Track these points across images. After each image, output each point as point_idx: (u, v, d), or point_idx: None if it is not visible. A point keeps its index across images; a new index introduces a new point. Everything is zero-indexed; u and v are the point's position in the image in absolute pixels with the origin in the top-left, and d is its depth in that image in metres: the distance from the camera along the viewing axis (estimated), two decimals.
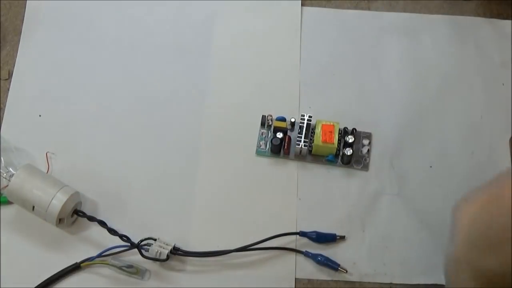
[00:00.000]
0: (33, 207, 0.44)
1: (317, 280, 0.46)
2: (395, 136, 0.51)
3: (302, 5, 0.56)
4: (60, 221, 0.45)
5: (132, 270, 0.44)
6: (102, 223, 0.45)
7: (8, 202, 0.47)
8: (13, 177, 0.44)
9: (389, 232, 0.47)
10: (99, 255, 0.45)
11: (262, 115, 0.50)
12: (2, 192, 0.46)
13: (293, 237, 0.47)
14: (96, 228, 0.46)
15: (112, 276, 0.45)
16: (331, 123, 0.48)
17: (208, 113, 0.51)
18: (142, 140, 0.50)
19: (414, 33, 0.55)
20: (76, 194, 0.46)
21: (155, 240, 0.45)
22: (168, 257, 0.44)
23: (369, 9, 0.56)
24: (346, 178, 0.49)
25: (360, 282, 0.46)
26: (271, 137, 0.50)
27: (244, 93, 0.52)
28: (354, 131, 0.50)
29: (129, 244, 0.45)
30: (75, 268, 0.45)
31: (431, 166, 0.49)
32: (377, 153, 0.50)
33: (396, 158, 0.50)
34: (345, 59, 0.54)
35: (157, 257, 0.44)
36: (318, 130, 0.48)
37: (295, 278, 0.46)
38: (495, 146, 0.51)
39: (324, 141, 0.48)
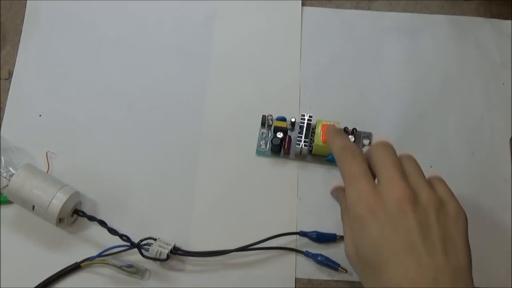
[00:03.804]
0: (33, 206, 0.44)
1: (317, 280, 0.46)
2: (395, 136, 0.51)
3: (303, 5, 0.56)
4: (60, 220, 0.45)
5: (132, 270, 0.44)
6: (102, 223, 0.45)
7: (8, 202, 0.47)
8: (13, 177, 0.44)
9: None
10: (99, 255, 0.45)
11: (262, 115, 0.50)
12: (2, 191, 0.46)
13: (293, 237, 0.47)
14: (96, 228, 0.46)
15: (112, 276, 0.45)
16: (332, 123, 0.48)
17: (208, 113, 0.51)
18: (142, 140, 0.50)
19: (414, 33, 0.55)
20: (76, 193, 0.46)
21: (155, 240, 0.45)
22: (168, 257, 0.44)
23: (369, 9, 0.56)
24: None
25: (360, 282, 0.46)
26: (271, 137, 0.50)
27: (244, 93, 0.52)
28: (354, 131, 0.50)
29: (129, 244, 0.45)
30: (75, 268, 0.45)
31: (431, 166, 0.49)
32: None
33: None
34: (345, 59, 0.54)
35: (157, 257, 0.44)
36: (319, 130, 0.48)
37: (295, 278, 0.46)
38: (495, 146, 0.51)
39: (325, 141, 0.48)
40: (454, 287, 0.35)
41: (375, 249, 0.36)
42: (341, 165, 0.40)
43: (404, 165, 0.39)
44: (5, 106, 0.51)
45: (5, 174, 0.46)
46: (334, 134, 0.43)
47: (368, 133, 0.50)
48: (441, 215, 0.37)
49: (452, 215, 0.37)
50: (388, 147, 0.40)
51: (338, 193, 0.43)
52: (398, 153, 0.41)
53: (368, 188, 0.37)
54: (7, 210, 0.47)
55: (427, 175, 0.40)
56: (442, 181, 0.40)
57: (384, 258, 0.36)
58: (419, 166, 0.40)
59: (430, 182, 0.39)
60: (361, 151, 0.41)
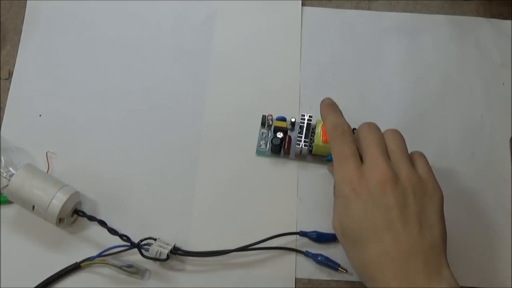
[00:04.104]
0: (33, 206, 0.44)
1: (317, 280, 0.46)
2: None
3: (303, 5, 0.56)
4: (60, 220, 0.45)
5: (132, 270, 0.44)
6: (102, 223, 0.45)
7: (8, 202, 0.47)
8: (13, 177, 0.44)
9: None
10: (99, 255, 0.45)
11: (262, 115, 0.50)
12: (2, 191, 0.46)
13: (293, 237, 0.47)
14: (96, 228, 0.45)
15: (112, 276, 0.45)
16: None
17: (208, 113, 0.51)
18: (142, 140, 0.50)
19: (414, 33, 0.55)
20: (76, 193, 0.46)
21: (155, 240, 0.45)
22: (168, 257, 0.44)
23: (369, 9, 0.56)
24: None
25: (360, 282, 0.46)
26: (271, 137, 0.50)
27: (244, 93, 0.52)
28: (354, 131, 0.50)
29: (129, 244, 0.45)
30: (75, 268, 0.45)
31: (431, 166, 0.49)
32: None
33: None
34: (345, 59, 0.54)
35: (157, 257, 0.44)
36: (318, 130, 0.48)
37: (295, 278, 0.46)
38: (495, 146, 0.51)
39: (325, 141, 0.48)
40: (427, 260, 0.38)
41: (357, 225, 0.40)
42: (332, 144, 0.44)
43: (388, 142, 0.42)
44: (5, 106, 0.51)
45: (5, 174, 0.46)
46: (328, 109, 0.45)
47: None
48: (418, 193, 0.40)
49: (428, 193, 0.40)
50: (372, 127, 0.43)
51: (332, 169, 0.45)
52: (385, 129, 0.43)
53: (353, 169, 0.41)
54: (7, 210, 0.47)
55: (410, 150, 0.43)
56: (422, 157, 0.43)
57: (365, 234, 0.39)
58: (402, 141, 0.43)
59: (411, 158, 0.42)
60: (352, 130, 0.44)
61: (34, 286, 0.44)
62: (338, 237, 0.41)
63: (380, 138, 0.42)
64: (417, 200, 0.39)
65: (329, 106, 0.45)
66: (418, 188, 0.40)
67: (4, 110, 0.51)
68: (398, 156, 0.41)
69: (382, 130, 0.50)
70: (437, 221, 0.40)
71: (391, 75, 0.53)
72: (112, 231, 0.45)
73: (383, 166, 0.40)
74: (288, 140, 0.49)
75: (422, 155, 0.43)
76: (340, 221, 0.41)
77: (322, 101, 0.46)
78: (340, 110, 0.45)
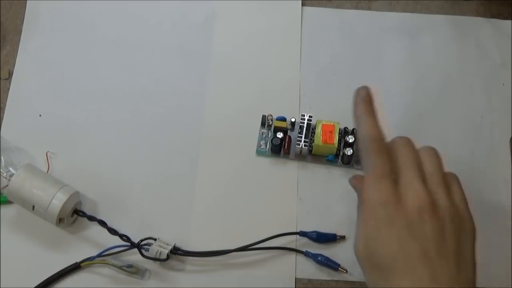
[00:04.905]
0: (33, 206, 0.44)
1: (317, 280, 0.46)
2: (395, 136, 0.50)
3: (303, 5, 0.56)
4: (60, 220, 0.45)
5: (132, 270, 0.44)
6: (102, 223, 0.45)
7: (8, 202, 0.47)
8: (13, 177, 0.44)
9: None
10: (99, 255, 0.45)
11: (262, 115, 0.50)
12: (2, 191, 0.46)
13: (293, 237, 0.47)
14: (96, 228, 0.46)
15: (112, 276, 0.45)
16: (331, 123, 0.48)
17: (208, 113, 0.51)
18: (142, 140, 0.50)
19: (414, 33, 0.55)
20: (76, 193, 0.46)
21: (155, 240, 0.45)
22: (168, 257, 0.44)
23: (369, 9, 0.56)
24: (346, 178, 0.49)
25: (360, 282, 0.46)
26: (271, 137, 0.50)
27: (244, 93, 0.52)
28: (355, 131, 0.50)
29: (129, 244, 0.45)
30: (75, 268, 0.45)
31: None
32: None
33: None
34: (345, 59, 0.54)
35: (157, 257, 0.44)
36: (318, 130, 0.48)
37: (295, 278, 0.46)
38: (495, 146, 0.51)
39: (324, 141, 0.48)
40: None
41: (388, 253, 0.36)
42: (367, 158, 0.39)
43: (425, 162, 0.39)
44: (5, 106, 0.51)
45: (5, 174, 0.46)
46: (365, 110, 0.41)
47: None
48: (456, 226, 0.37)
49: (465, 228, 0.37)
50: (409, 143, 0.40)
51: (358, 183, 0.41)
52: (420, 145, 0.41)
53: (390, 190, 0.37)
54: (7, 210, 0.47)
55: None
56: (457, 181, 0.40)
57: (395, 264, 0.36)
58: (440, 162, 0.40)
59: (446, 183, 0.39)
60: (386, 144, 0.40)
61: (34, 286, 0.44)
62: (359, 259, 0.38)
63: (416, 157, 0.39)
64: (455, 234, 0.36)
65: (367, 106, 0.41)
66: (456, 221, 0.37)
67: (4, 110, 0.51)
68: (436, 181, 0.38)
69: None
70: (472, 258, 0.37)
71: (391, 75, 0.53)
72: (112, 231, 0.45)
73: (421, 191, 0.37)
74: (288, 140, 0.49)
75: (456, 178, 0.40)
76: (367, 245, 0.37)
77: (358, 94, 0.41)
78: (376, 111, 0.41)
